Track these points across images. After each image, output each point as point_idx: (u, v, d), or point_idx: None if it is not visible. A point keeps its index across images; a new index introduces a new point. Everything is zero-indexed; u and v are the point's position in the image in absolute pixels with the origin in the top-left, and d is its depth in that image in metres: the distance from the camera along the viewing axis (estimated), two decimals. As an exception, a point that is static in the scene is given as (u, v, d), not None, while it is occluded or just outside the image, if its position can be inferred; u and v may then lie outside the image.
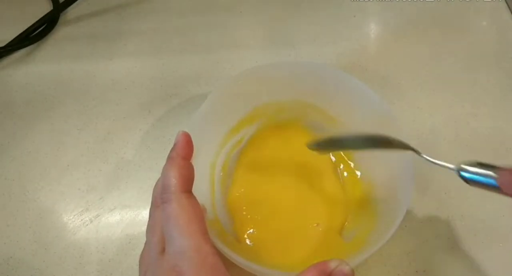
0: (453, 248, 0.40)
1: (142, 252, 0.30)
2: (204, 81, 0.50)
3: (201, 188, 0.37)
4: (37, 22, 0.53)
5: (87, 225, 0.41)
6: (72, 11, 0.56)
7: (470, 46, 0.53)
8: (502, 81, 0.49)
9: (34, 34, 0.53)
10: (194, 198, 0.28)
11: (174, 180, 0.28)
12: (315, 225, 0.39)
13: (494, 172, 0.28)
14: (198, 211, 0.27)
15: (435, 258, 0.39)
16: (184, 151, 0.30)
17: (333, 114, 0.42)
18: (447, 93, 0.49)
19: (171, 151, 0.30)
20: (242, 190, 0.41)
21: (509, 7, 0.56)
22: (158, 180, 0.31)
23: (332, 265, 0.26)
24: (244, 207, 0.40)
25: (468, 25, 0.55)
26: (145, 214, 0.42)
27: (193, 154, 0.31)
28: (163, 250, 0.27)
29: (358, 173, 0.42)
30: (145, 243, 0.30)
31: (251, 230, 0.38)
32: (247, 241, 0.38)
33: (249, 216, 0.39)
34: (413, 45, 0.53)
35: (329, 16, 0.56)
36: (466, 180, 0.29)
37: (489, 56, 0.52)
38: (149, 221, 0.30)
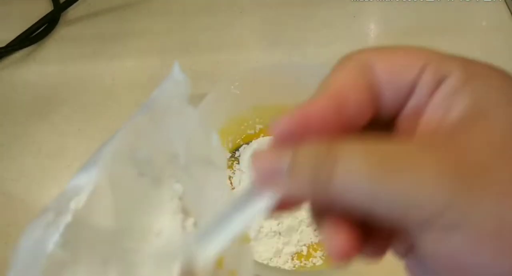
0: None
1: None
2: (203, 81, 0.50)
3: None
4: (37, 22, 0.53)
5: (87, 224, 0.42)
6: (72, 11, 0.56)
7: (470, 46, 0.53)
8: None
9: (35, 35, 0.53)
10: None
11: None
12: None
13: None
14: None
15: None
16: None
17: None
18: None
19: None
20: None
21: (509, 7, 0.56)
22: None
23: None
24: None
25: (468, 25, 0.55)
26: (145, 213, 0.42)
27: None
28: None
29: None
30: None
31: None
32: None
33: None
34: (413, 45, 0.53)
35: (329, 16, 0.56)
36: None
37: (489, 56, 0.52)
38: None
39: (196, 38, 0.54)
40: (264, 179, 0.16)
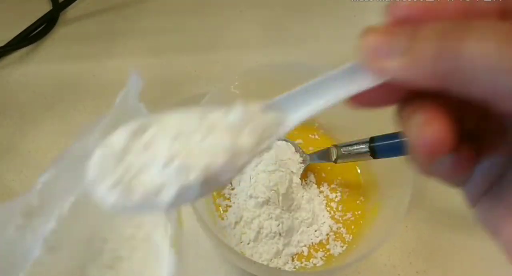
0: (454, 248, 0.40)
1: None
2: (203, 81, 0.50)
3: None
4: (36, 21, 0.52)
5: (87, 225, 0.41)
6: (71, 11, 0.56)
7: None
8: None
9: (34, 34, 0.53)
10: None
11: None
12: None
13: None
14: None
15: (435, 258, 0.39)
16: None
17: (333, 115, 0.42)
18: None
19: None
20: None
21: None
22: None
23: None
24: None
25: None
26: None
27: None
28: None
29: (359, 170, 0.42)
30: None
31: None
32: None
33: None
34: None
35: (329, 16, 0.55)
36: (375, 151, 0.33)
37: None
38: None
39: (196, 37, 0.54)
40: (373, 57, 0.15)
